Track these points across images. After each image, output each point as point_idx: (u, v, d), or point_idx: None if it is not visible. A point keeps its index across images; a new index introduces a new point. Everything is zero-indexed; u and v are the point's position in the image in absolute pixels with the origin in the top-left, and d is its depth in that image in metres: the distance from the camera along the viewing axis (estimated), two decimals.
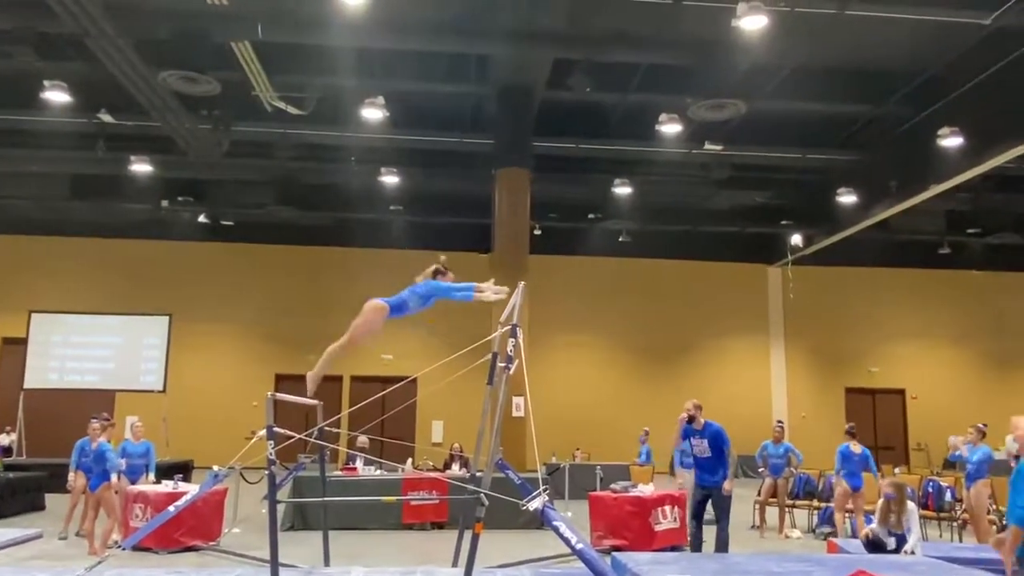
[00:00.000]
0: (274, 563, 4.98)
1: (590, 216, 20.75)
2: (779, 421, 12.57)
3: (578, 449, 17.62)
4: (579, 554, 4.47)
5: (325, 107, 15.21)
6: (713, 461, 7.93)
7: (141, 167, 17.18)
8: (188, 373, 21.57)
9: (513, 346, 5.34)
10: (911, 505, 7.59)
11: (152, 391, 21.34)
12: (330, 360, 5.50)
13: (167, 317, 22.01)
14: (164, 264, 21.96)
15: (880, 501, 7.76)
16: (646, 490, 10.06)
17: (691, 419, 8.10)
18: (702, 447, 7.97)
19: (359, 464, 11.93)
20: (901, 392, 23.79)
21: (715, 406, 22.63)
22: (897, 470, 13.93)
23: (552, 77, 14.38)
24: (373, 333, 5.56)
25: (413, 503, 10.57)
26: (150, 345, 22.05)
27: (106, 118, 15.33)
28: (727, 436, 7.99)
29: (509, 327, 5.52)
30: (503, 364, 5.44)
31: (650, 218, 20.60)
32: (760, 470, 11.87)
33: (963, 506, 10.06)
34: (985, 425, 9.58)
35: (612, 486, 10.13)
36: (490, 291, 5.66)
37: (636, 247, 22.06)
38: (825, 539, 9.87)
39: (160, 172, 17.76)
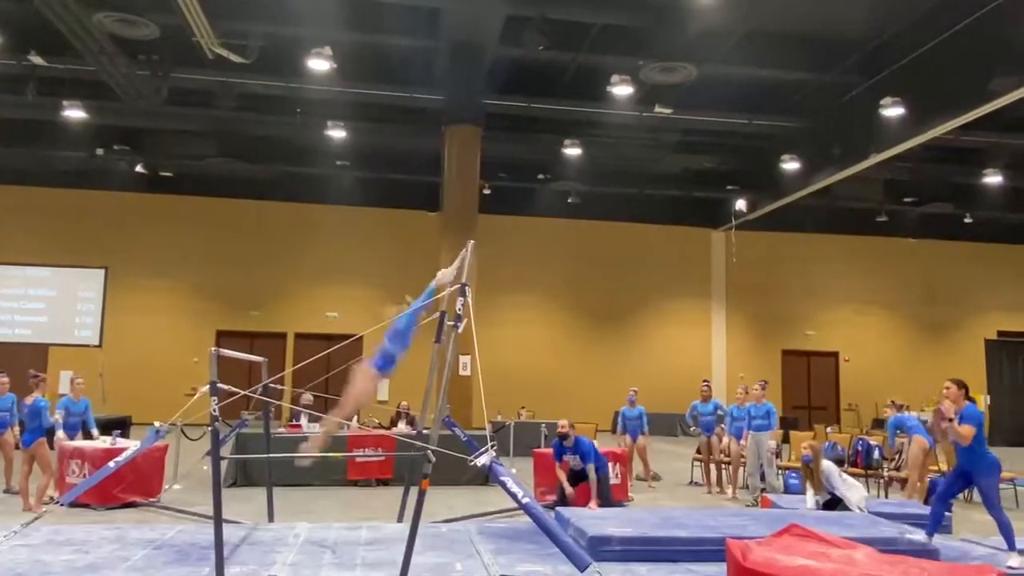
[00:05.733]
0: (218, 519, 4.94)
1: (540, 177, 20.72)
2: (705, 381, 12.35)
3: (523, 407, 17.80)
4: (525, 508, 4.55)
5: (269, 56, 14.72)
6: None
7: (74, 113, 16.46)
8: (126, 328, 21.07)
9: (462, 305, 5.34)
10: (826, 464, 7.92)
11: (88, 345, 20.85)
12: (332, 429, 5.84)
13: (103, 270, 21.45)
14: (99, 215, 21.21)
15: (801, 467, 8.12)
16: None
17: (563, 436, 8.55)
18: (575, 462, 8.52)
19: (304, 421, 11.86)
20: (834, 355, 24.61)
21: (657, 366, 23.07)
22: (829, 429, 14.39)
23: (505, 33, 14.18)
24: (369, 396, 5.77)
25: (358, 460, 10.58)
26: (85, 299, 21.47)
27: (37, 60, 14.62)
28: (596, 452, 8.65)
29: (458, 286, 5.52)
30: (451, 323, 5.44)
31: (599, 180, 20.67)
32: (692, 429, 12.09)
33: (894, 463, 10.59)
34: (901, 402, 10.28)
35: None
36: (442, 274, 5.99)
37: (584, 208, 22.17)
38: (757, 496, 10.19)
39: (95, 119, 17.04)
